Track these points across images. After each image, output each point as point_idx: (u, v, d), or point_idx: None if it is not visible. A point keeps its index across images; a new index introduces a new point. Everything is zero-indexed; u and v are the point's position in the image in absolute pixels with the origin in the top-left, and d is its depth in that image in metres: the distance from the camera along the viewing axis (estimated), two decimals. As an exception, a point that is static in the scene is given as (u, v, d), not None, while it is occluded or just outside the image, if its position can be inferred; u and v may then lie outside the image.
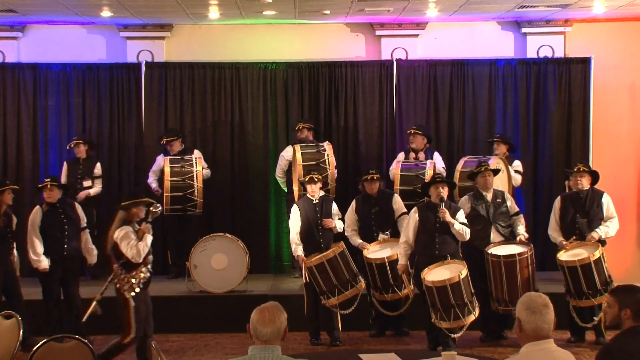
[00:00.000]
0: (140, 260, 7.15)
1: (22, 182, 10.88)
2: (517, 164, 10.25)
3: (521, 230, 8.78)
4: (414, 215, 8.42)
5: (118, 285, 7.22)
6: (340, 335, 8.75)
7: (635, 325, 4.27)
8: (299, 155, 9.95)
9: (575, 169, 8.90)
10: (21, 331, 5.77)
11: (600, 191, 8.82)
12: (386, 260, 8.70)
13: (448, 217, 8.18)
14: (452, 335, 8.06)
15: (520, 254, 8.45)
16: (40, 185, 8.93)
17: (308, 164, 9.81)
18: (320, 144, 10.25)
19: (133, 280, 7.17)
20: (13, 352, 5.69)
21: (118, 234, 7.15)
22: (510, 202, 8.92)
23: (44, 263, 8.56)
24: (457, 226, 8.22)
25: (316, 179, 8.90)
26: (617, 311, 4.33)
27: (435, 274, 8.06)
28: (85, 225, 8.90)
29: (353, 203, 9.18)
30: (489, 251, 8.56)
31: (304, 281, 8.82)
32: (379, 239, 8.97)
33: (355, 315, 8.92)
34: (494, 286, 8.58)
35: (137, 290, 7.18)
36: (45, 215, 8.66)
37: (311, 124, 10.67)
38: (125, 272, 7.17)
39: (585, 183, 8.77)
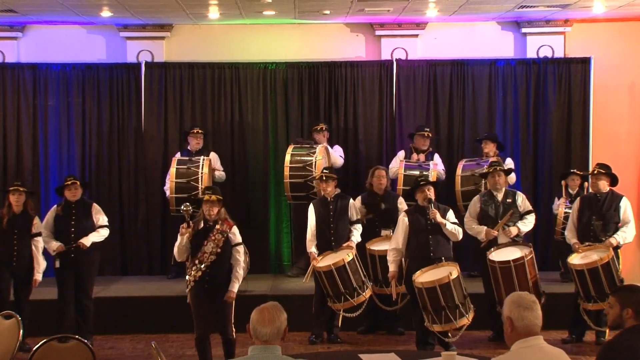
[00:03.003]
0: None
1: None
2: (509, 162, 10.21)
3: (519, 224, 8.60)
4: (404, 219, 8.29)
5: None
6: (338, 333, 8.77)
7: (637, 324, 4.26)
8: (287, 157, 10.04)
9: (591, 171, 8.79)
10: (21, 331, 5.77)
11: (620, 195, 8.62)
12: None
13: (439, 218, 8.09)
14: (447, 339, 7.99)
15: (515, 260, 8.31)
16: (63, 185, 8.78)
17: (295, 166, 9.92)
18: (314, 145, 10.24)
19: (187, 277, 7.47)
20: (13, 352, 5.69)
21: None
22: (522, 202, 8.76)
23: (54, 245, 8.53)
24: (449, 226, 8.12)
25: (325, 177, 8.82)
26: (619, 311, 4.32)
27: (426, 276, 7.93)
28: (101, 225, 8.74)
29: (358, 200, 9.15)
30: (489, 256, 8.53)
31: (306, 280, 8.85)
32: (382, 235, 8.97)
33: (357, 316, 8.92)
34: (494, 288, 8.56)
35: (189, 286, 7.42)
36: (58, 215, 8.64)
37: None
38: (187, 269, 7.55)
39: (601, 185, 8.57)
